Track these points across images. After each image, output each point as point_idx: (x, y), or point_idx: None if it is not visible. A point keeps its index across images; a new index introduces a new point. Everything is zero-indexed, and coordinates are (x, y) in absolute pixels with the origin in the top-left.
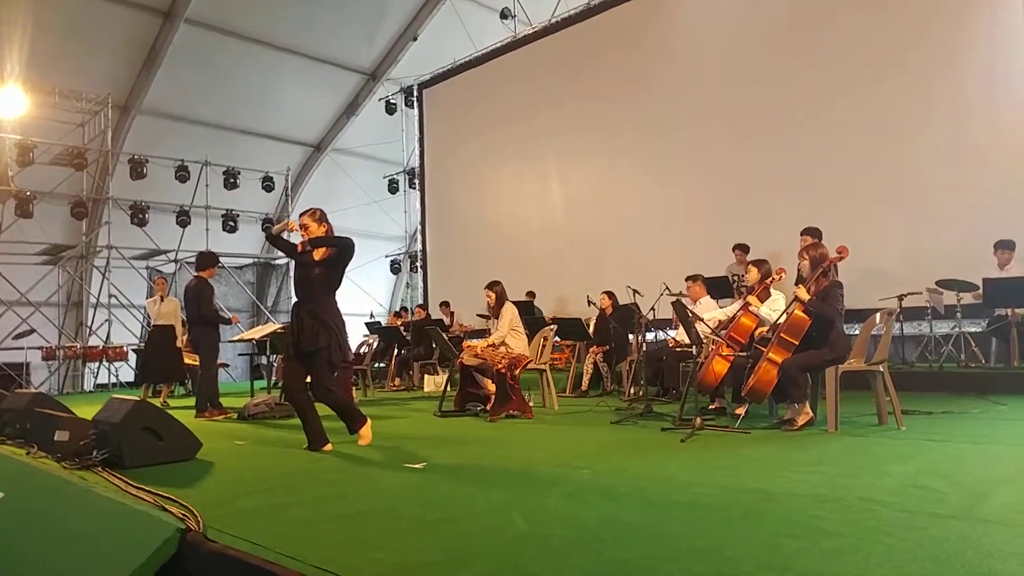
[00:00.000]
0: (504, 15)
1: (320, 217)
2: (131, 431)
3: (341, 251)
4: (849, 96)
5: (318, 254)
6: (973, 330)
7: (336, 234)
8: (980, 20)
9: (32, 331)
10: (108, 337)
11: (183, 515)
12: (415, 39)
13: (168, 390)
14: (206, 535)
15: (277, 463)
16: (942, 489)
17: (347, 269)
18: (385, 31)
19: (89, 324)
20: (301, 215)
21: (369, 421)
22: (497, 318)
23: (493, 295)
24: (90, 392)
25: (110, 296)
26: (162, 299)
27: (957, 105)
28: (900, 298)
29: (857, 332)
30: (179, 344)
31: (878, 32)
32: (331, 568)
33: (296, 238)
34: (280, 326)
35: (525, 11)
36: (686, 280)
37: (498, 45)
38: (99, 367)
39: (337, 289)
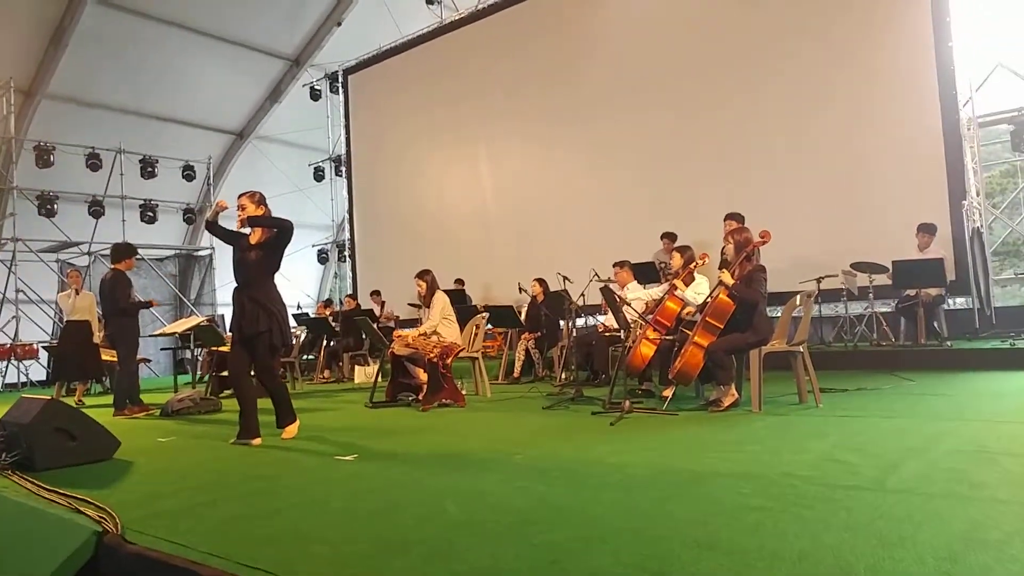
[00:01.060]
0: (430, 1)
1: (259, 200)
2: (42, 432)
3: (280, 233)
4: (771, 87)
5: (254, 237)
6: (884, 310)
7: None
8: (893, 5)
9: None
10: (16, 334)
11: (100, 517)
12: (339, 24)
13: (83, 388)
14: (124, 537)
15: (203, 459)
16: (856, 462)
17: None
18: (308, 16)
19: None
20: (240, 196)
21: (297, 422)
22: (428, 307)
23: (424, 284)
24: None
25: (17, 291)
26: (76, 293)
27: (873, 94)
28: (818, 281)
29: (780, 314)
30: (96, 340)
31: (794, 19)
32: (261, 565)
33: (232, 223)
34: (203, 319)
35: None
36: (613, 266)
37: (425, 31)
38: (7, 366)
39: (275, 272)
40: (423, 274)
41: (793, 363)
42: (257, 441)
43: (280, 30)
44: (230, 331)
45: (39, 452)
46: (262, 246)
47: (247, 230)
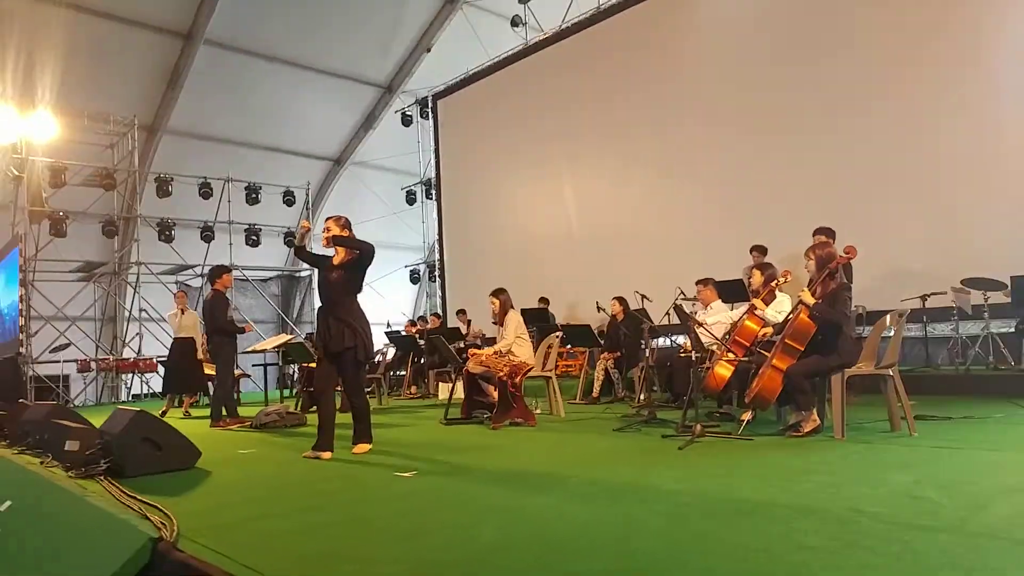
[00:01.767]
0: (515, 23)
1: (344, 224)
2: (131, 441)
3: (361, 255)
4: (868, 91)
5: (337, 258)
6: (1002, 330)
7: None
8: (1009, 10)
9: (68, 344)
10: (140, 349)
11: (161, 523)
12: (428, 50)
13: (191, 400)
14: (175, 545)
15: (271, 472)
16: (938, 500)
17: (370, 279)
18: (399, 43)
19: (123, 337)
20: (327, 219)
21: (370, 445)
22: (502, 325)
23: (498, 302)
24: (126, 402)
25: (140, 310)
26: (182, 312)
27: (983, 96)
28: (923, 298)
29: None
30: (199, 356)
31: (900, 25)
32: None
33: (319, 247)
34: (292, 336)
35: (536, 18)
36: (696, 284)
37: (509, 53)
38: (132, 379)
39: (358, 292)
40: (498, 293)
41: (883, 387)
42: (327, 455)
43: (372, 58)
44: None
45: (128, 460)
46: (344, 267)
47: (332, 252)
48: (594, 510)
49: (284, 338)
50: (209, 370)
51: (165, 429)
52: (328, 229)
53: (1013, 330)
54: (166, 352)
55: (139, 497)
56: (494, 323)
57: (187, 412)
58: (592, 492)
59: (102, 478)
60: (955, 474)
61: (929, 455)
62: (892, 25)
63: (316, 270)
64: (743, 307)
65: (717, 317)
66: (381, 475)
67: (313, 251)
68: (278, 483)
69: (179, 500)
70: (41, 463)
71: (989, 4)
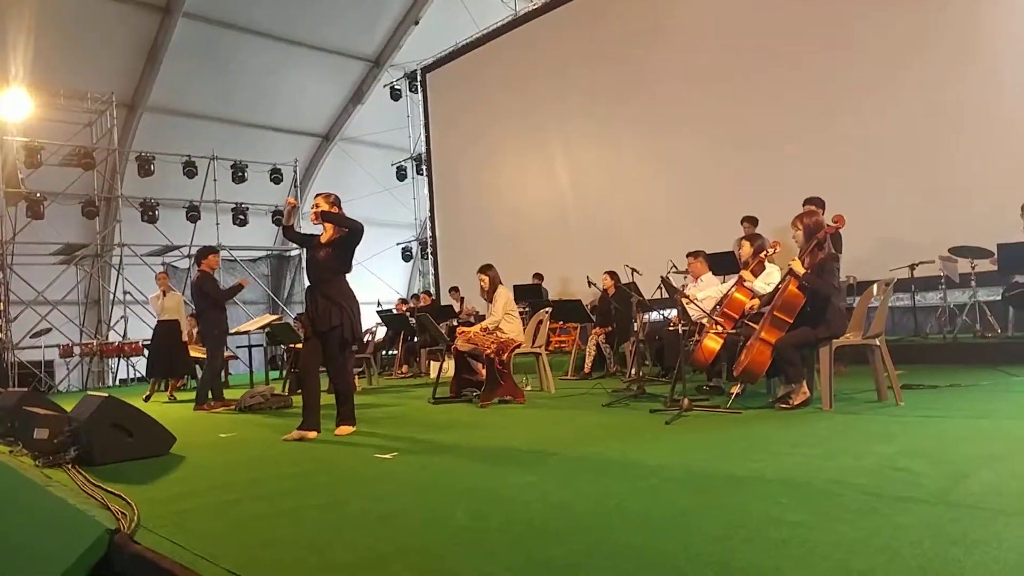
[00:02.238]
0: None
1: (334, 200)
2: (99, 428)
3: (350, 233)
4: (859, 63)
5: (325, 236)
6: (989, 299)
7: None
8: None
9: (49, 329)
10: (125, 333)
11: (122, 513)
12: (417, 23)
13: (177, 384)
14: (132, 536)
15: (250, 456)
16: (921, 470)
17: (361, 257)
18: (386, 16)
19: (108, 321)
20: (316, 196)
21: (354, 428)
22: (491, 302)
23: (487, 279)
24: (113, 387)
25: (125, 293)
26: (164, 294)
27: (972, 66)
28: (912, 267)
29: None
30: (184, 338)
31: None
32: (242, 572)
33: (308, 226)
34: (276, 317)
35: None
36: (687, 256)
37: (498, 24)
38: (118, 363)
39: (347, 271)
40: (486, 269)
41: (870, 357)
42: (312, 435)
43: (360, 32)
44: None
45: (97, 447)
46: (332, 245)
47: (320, 230)
48: (575, 489)
49: (269, 318)
50: (197, 352)
51: (136, 415)
52: (317, 205)
53: (1000, 298)
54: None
55: (103, 486)
56: (463, 320)
57: (172, 396)
58: (575, 470)
59: (70, 467)
60: (939, 443)
61: (914, 425)
62: (887, 6)
63: (305, 249)
64: (734, 279)
65: (707, 291)
66: (361, 457)
67: (301, 230)
68: (254, 467)
69: (146, 488)
70: (10, 452)
71: None
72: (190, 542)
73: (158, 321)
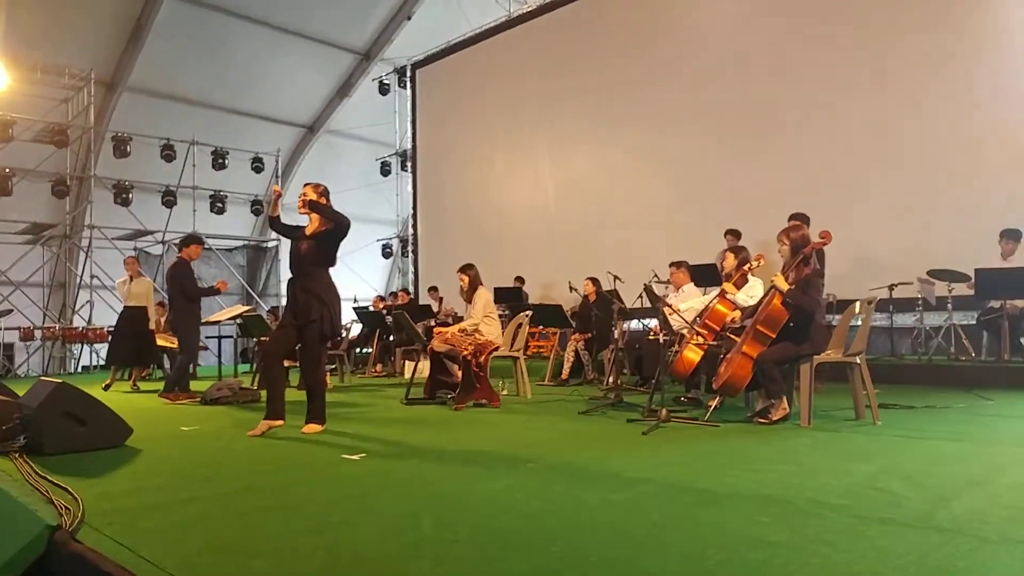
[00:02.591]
0: None
1: (323, 192)
2: (50, 416)
3: (336, 227)
4: (842, 83)
5: (310, 228)
6: (964, 322)
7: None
8: (986, 12)
9: (11, 311)
10: (91, 319)
11: (66, 508)
12: (409, 18)
13: (139, 373)
14: (74, 535)
15: (209, 451)
16: (901, 492)
17: (341, 252)
18: (379, 9)
19: (72, 305)
20: (305, 185)
21: (322, 427)
22: (470, 303)
23: (466, 278)
24: (74, 373)
25: (92, 277)
26: (131, 279)
27: (956, 94)
28: (891, 288)
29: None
30: (151, 326)
31: (877, 23)
32: None
33: (291, 212)
34: (248, 308)
35: None
36: (670, 266)
37: (492, 24)
38: (81, 349)
39: (331, 265)
40: (466, 268)
41: (850, 375)
42: (279, 423)
43: (351, 24)
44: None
45: (47, 436)
46: (317, 237)
47: (306, 221)
48: (546, 499)
49: (240, 309)
50: (165, 342)
51: (91, 403)
52: (305, 195)
53: (975, 322)
54: None
55: (50, 478)
56: (441, 321)
57: (136, 386)
58: (548, 479)
59: (17, 456)
60: (918, 465)
61: (892, 445)
62: (869, 18)
63: (289, 241)
64: (716, 291)
65: (690, 302)
66: (327, 457)
67: (284, 221)
68: (211, 464)
69: (96, 481)
70: None
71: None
72: (134, 542)
73: (124, 307)
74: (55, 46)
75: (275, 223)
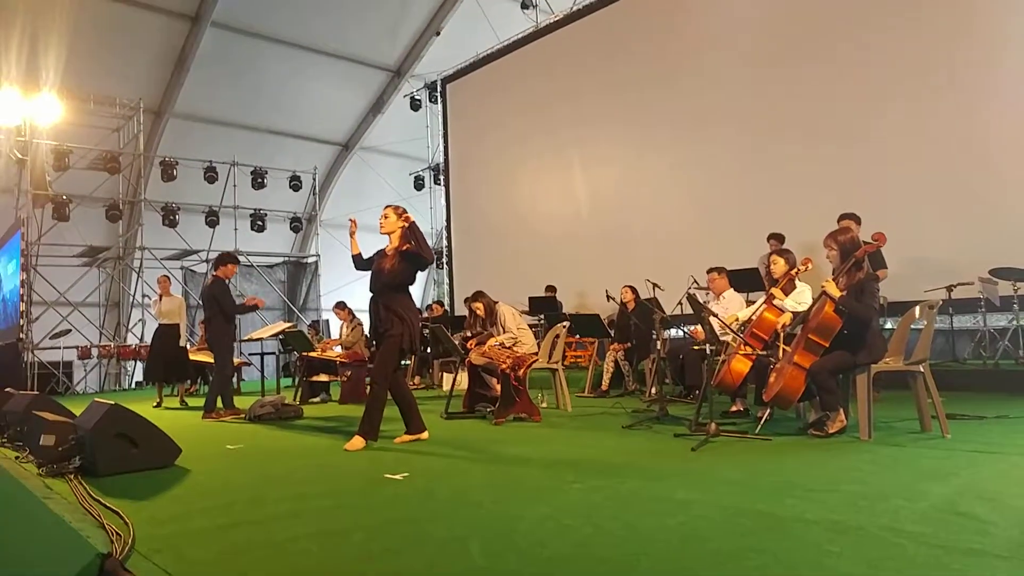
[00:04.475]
0: (525, 5)
1: (401, 212)
2: (104, 437)
3: (418, 259)
4: (891, 75)
5: (391, 247)
6: None
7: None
8: None
9: (69, 331)
10: (142, 336)
11: (117, 534)
12: (438, 33)
13: (185, 389)
14: (123, 563)
15: (254, 473)
16: (986, 517)
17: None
18: (408, 26)
19: (126, 323)
20: (385, 208)
21: (366, 443)
22: (494, 324)
23: (481, 305)
24: (128, 390)
25: (143, 296)
26: (160, 298)
27: (1013, 80)
28: (949, 289)
29: (896, 327)
30: (182, 343)
31: (927, 8)
32: None
33: (368, 239)
34: (289, 324)
35: (547, 0)
36: (708, 272)
37: (520, 36)
38: (134, 366)
39: (409, 285)
40: (477, 296)
41: (912, 384)
42: (425, 435)
43: (382, 42)
44: (368, 335)
45: (101, 457)
46: (398, 257)
47: (386, 243)
48: (596, 525)
49: (282, 326)
50: (203, 357)
51: (142, 424)
52: (386, 216)
53: None
54: None
55: (103, 500)
56: (478, 332)
57: (183, 402)
58: (596, 501)
59: (72, 477)
60: (999, 485)
61: (967, 461)
62: (918, 8)
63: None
64: (759, 297)
65: (731, 308)
66: (370, 477)
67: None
68: (257, 485)
69: (146, 504)
70: (16, 458)
71: None
72: (181, 570)
73: (158, 325)
74: (107, 79)
75: (359, 262)
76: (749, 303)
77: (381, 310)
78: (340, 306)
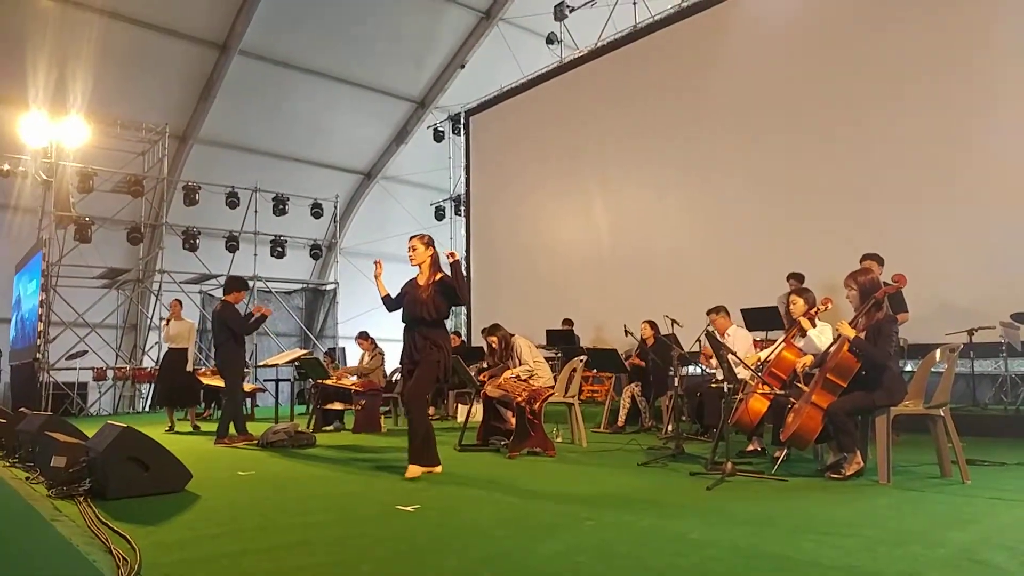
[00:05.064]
0: (550, 40)
1: (428, 242)
2: (115, 460)
3: (452, 295)
4: (915, 114)
5: (423, 277)
6: None
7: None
8: None
9: (85, 352)
10: (158, 359)
11: (124, 560)
12: (463, 66)
13: (202, 413)
14: None
15: (264, 499)
16: (1006, 567)
17: (396, 295)
18: (434, 58)
19: (143, 346)
20: (411, 238)
21: (421, 470)
22: (510, 357)
23: (495, 339)
24: (142, 412)
25: (161, 319)
26: (167, 322)
27: None
28: (970, 332)
29: (916, 370)
30: (189, 367)
31: (945, 41)
32: None
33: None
34: (305, 351)
35: (572, 35)
36: (708, 313)
37: (544, 70)
38: (150, 388)
39: (445, 318)
40: (493, 330)
41: (932, 428)
42: (439, 468)
43: (407, 73)
44: (400, 363)
45: (111, 480)
46: (433, 287)
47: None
48: (609, 563)
49: (297, 352)
50: (214, 381)
51: (154, 447)
52: (414, 248)
53: None
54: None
55: (111, 524)
56: (493, 364)
57: (195, 426)
58: (609, 539)
59: (81, 500)
60: (1019, 533)
61: (987, 508)
62: (936, 48)
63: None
64: (780, 336)
65: (760, 353)
66: (381, 507)
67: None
68: (266, 512)
69: (155, 529)
70: (27, 479)
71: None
72: None
73: (168, 349)
74: (134, 103)
75: (389, 303)
76: (758, 342)
77: (419, 338)
78: (363, 336)
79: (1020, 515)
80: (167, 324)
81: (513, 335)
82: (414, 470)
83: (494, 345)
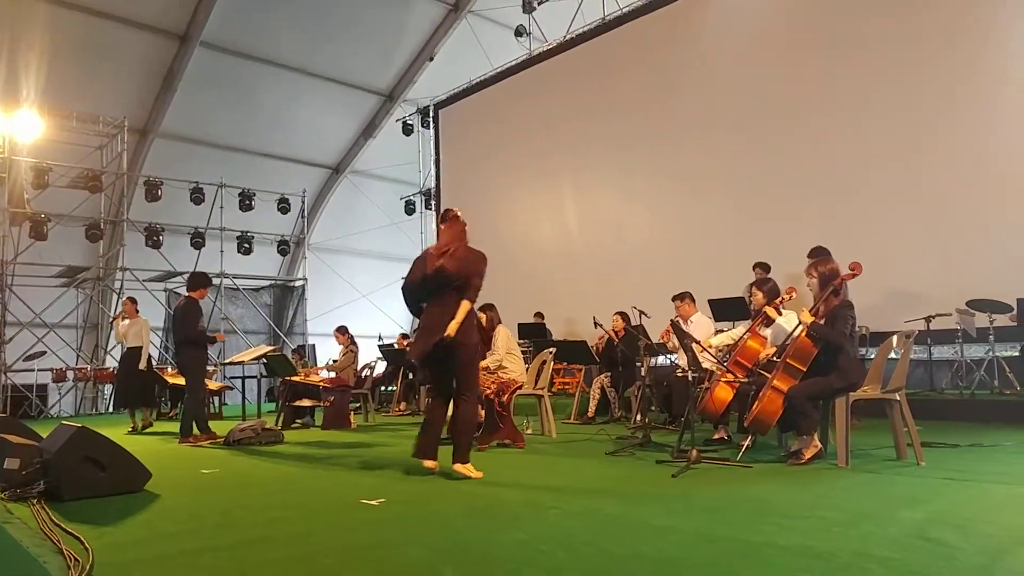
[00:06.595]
0: (519, 32)
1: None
2: (69, 461)
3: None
4: (874, 108)
5: (441, 248)
6: (1008, 354)
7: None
8: (1015, 25)
9: (44, 352)
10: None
11: (75, 560)
12: (431, 59)
13: (168, 413)
14: None
15: (226, 497)
16: (955, 543)
17: (365, 290)
18: (402, 51)
19: (104, 346)
20: (447, 213)
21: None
22: (490, 341)
23: (484, 318)
24: (104, 414)
25: (124, 318)
26: (120, 320)
27: (991, 116)
28: (928, 320)
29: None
30: (141, 366)
31: (904, 41)
32: None
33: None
34: (271, 348)
35: (540, 28)
36: (673, 300)
37: (513, 63)
38: (112, 389)
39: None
40: (485, 308)
41: (889, 412)
42: (430, 464)
43: (375, 66)
44: (414, 343)
45: (66, 481)
46: (458, 258)
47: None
48: (572, 551)
49: (264, 349)
50: (176, 379)
51: (110, 448)
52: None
53: (1019, 354)
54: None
55: (64, 526)
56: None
57: (149, 423)
58: (574, 528)
59: (35, 502)
60: (969, 511)
61: (939, 488)
62: (900, 42)
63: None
64: (739, 325)
65: (719, 338)
66: (346, 501)
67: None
68: (227, 510)
69: (111, 529)
70: None
71: (996, 21)
72: None
73: (125, 348)
74: (90, 95)
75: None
76: (719, 330)
77: (448, 317)
78: (341, 330)
79: (970, 494)
80: (114, 322)
81: (500, 323)
82: (470, 469)
83: (483, 323)
